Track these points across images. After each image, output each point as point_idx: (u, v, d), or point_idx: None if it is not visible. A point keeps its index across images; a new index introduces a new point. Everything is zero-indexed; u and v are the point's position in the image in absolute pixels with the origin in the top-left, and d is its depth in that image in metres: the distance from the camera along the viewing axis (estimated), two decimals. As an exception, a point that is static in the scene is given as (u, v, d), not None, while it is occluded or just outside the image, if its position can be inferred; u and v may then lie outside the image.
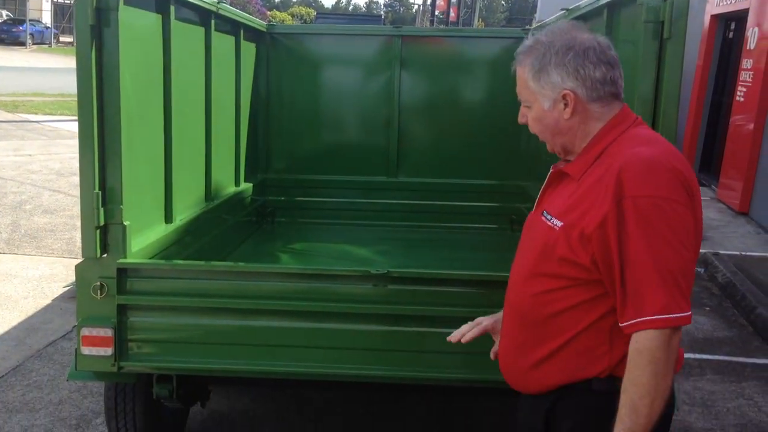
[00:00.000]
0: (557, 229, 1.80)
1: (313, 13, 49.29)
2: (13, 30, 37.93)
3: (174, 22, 3.37)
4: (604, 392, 1.78)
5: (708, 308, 6.21)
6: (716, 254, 7.25)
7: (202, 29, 3.92)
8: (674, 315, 1.64)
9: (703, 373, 4.91)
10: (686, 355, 4.05)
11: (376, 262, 4.53)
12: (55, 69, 28.05)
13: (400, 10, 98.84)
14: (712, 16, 11.16)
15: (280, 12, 55.15)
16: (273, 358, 2.92)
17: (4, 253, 6.95)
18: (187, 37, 3.67)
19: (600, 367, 1.80)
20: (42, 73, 26.58)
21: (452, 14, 37.25)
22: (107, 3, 2.69)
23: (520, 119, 1.97)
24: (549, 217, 1.85)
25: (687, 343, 5.29)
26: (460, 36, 5.90)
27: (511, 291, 2.02)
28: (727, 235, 8.11)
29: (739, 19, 10.37)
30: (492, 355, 2.27)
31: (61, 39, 41.26)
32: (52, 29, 40.40)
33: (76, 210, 8.42)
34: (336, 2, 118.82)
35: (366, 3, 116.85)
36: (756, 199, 8.84)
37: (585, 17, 3.78)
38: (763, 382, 4.82)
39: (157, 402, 3.36)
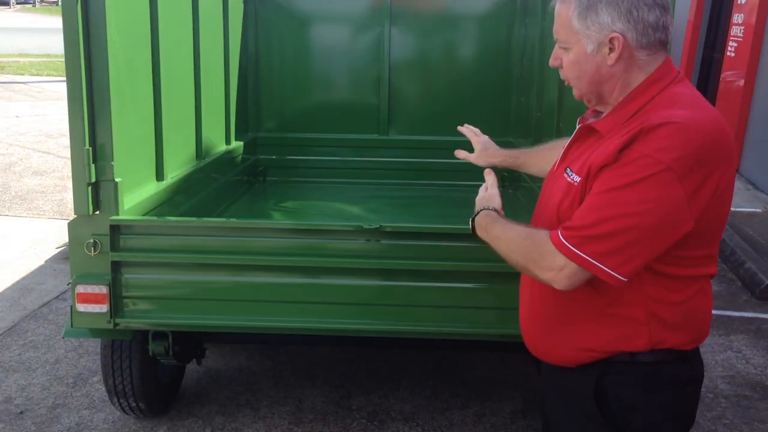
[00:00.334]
0: (576, 185, 1.70)
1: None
2: (-4, -10, 37.31)
3: (160, -23, 3.32)
4: (651, 362, 1.73)
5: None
6: (706, 210, 7.29)
7: (189, -15, 3.86)
8: (571, 247, 1.61)
9: (692, 325, 4.98)
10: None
11: (368, 219, 4.54)
12: (39, 29, 27.65)
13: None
14: (704, -30, 11.06)
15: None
16: (267, 314, 2.95)
17: (-6, 215, 6.94)
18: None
19: (640, 341, 1.72)
20: (26, 33, 26.21)
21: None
22: None
23: (553, 62, 1.82)
24: (570, 173, 1.75)
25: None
26: (451, -10, 5.83)
27: None
28: (716, 191, 8.13)
29: (731, -27, 10.28)
30: (456, 153, 2.75)
31: (45, -1, 40.60)
32: (36, -11, 39.72)
33: (66, 171, 8.39)
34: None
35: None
36: (745, 155, 8.88)
37: None
38: (750, 335, 4.90)
39: (154, 359, 3.40)
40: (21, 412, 3.75)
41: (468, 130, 2.83)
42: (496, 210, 1.95)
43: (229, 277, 2.92)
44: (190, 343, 3.47)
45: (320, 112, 5.39)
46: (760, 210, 7.38)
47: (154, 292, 2.93)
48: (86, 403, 3.84)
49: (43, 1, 39.82)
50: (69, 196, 7.47)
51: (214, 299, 2.92)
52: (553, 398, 1.97)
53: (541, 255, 1.68)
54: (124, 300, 2.90)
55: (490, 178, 2.12)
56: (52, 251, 6.02)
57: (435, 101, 5.35)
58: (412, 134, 5.40)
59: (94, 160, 2.77)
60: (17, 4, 37.01)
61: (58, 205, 7.27)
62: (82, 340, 4.46)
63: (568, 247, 1.62)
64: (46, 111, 12.21)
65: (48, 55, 20.10)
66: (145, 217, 3.13)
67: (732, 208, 7.41)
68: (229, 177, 4.66)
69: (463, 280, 2.97)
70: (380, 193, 5.27)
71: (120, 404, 3.51)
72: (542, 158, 2.48)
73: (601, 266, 1.60)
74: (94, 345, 4.40)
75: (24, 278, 5.48)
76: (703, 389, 2.64)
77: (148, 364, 3.42)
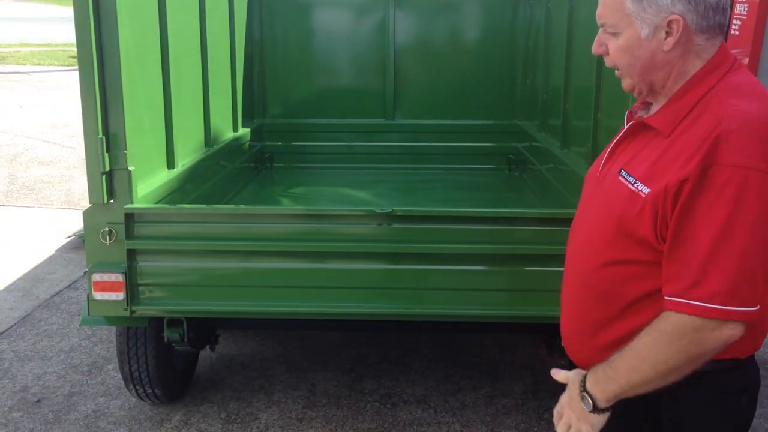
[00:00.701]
0: (644, 195, 1.52)
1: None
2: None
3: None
4: (705, 372, 1.56)
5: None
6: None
7: (194, -28, 3.86)
8: (727, 307, 1.42)
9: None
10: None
11: (376, 204, 4.55)
12: (39, 18, 27.59)
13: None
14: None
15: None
16: (280, 299, 2.97)
17: (3, 206, 6.96)
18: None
19: None
20: (26, 22, 26.14)
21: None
22: None
23: (596, 48, 1.66)
24: (632, 179, 1.57)
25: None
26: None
27: (579, 258, 1.75)
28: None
29: (734, -50, 10.20)
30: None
31: (44, -12, 40.41)
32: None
33: (72, 161, 8.41)
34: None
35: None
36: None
37: None
38: None
39: (169, 346, 3.44)
40: (38, 401, 3.79)
41: None
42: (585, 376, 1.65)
43: (243, 263, 2.95)
44: (204, 329, 3.51)
45: (326, 98, 5.39)
46: None
47: (169, 279, 2.95)
48: (102, 391, 3.89)
49: (42, -9, 39.70)
50: (76, 186, 7.50)
51: (229, 285, 2.95)
52: None
53: (699, 342, 1.46)
54: (140, 288, 2.93)
55: (560, 376, 1.76)
56: (62, 241, 6.05)
57: (440, 85, 5.36)
58: (418, 118, 5.40)
59: (108, 150, 2.79)
60: (16, -7, 36.90)
61: (65, 195, 7.29)
62: (95, 328, 4.50)
63: (720, 309, 1.43)
64: (50, 101, 12.21)
65: (49, 45, 20.05)
66: (160, 205, 3.15)
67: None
68: (236, 164, 4.68)
69: (474, 263, 2.99)
70: (386, 178, 5.29)
71: (136, 391, 3.55)
72: None
73: (751, 309, 1.45)
74: (108, 333, 4.44)
75: (35, 268, 5.51)
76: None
77: (164, 351, 3.46)
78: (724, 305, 1.42)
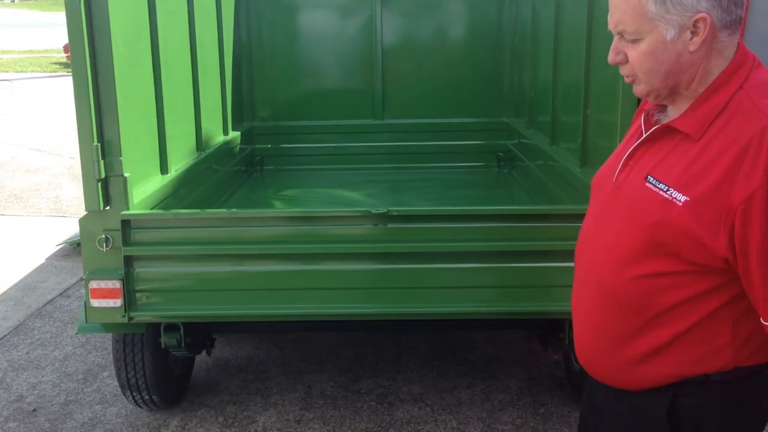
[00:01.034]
0: (679, 204, 1.46)
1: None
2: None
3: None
4: (727, 381, 1.56)
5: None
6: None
7: (182, -24, 3.86)
8: None
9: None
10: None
11: (368, 204, 4.57)
12: (20, 24, 27.37)
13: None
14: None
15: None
16: (277, 302, 2.98)
17: (-10, 215, 6.93)
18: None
19: (722, 361, 1.55)
20: (7, 29, 25.93)
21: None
22: None
23: (613, 57, 1.58)
24: (663, 186, 1.50)
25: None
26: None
27: (600, 269, 1.67)
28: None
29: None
30: None
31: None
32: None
33: (59, 168, 8.37)
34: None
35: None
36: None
37: None
38: None
39: (165, 351, 3.44)
40: (34, 410, 3.78)
41: None
42: None
43: (240, 267, 2.95)
44: (201, 334, 3.51)
45: (315, 99, 5.40)
46: None
47: (167, 285, 2.96)
48: (98, 398, 3.87)
49: (22, -3, 39.45)
50: (64, 193, 7.47)
51: (227, 289, 2.95)
52: (614, 425, 1.78)
53: None
54: (138, 294, 2.92)
55: None
56: (52, 249, 6.02)
57: (429, 84, 5.38)
58: (407, 118, 5.42)
59: (103, 156, 2.79)
60: (-5, 0, 36.64)
61: (54, 203, 7.26)
62: (89, 336, 4.48)
63: None
64: (34, 108, 12.14)
65: (30, 51, 19.94)
66: (156, 211, 3.15)
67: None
68: (228, 168, 4.68)
69: (468, 261, 3.01)
70: (377, 178, 5.30)
71: (133, 397, 3.54)
72: None
73: None
74: (102, 340, 4.43)
75: (26, 277, 5.49)
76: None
77: (160, 357, 3.46)
78: None
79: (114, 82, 2.76)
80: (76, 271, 5.54)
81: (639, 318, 1.59)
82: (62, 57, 20.14)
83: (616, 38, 1.57)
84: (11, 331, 4.64)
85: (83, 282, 2.92)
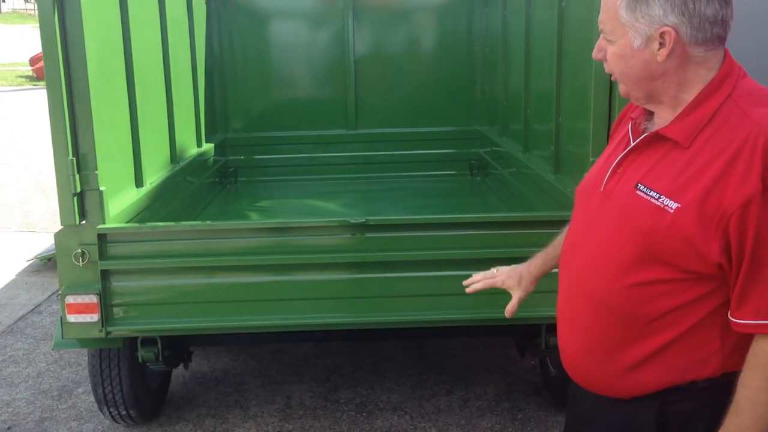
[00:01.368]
0: (671, 211, 1.47)
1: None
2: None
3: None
4: (715, 387, 1.57)
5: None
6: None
7: (154, -13, 3.85)
8: None
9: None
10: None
11: (343, 214, 4.59)
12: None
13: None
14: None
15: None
16: (259, 313, 2.98)
17: (-42, 231, 6.81)
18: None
19: (712, 367, 1.56)
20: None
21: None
22: None
23: (596, 54, 1.62)
24: (655, 194, 1.51)
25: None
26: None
27: (590, 279, 1.66)
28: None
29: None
30: (507, 313, 2.09)
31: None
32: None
33: (28, 182, 8.26)
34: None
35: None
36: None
37: None
38: None
39: (142, 366, 3.41)
40: (9, 428, 3.72)
41: (483, 285, 2.19)
42: None
43: (219, 279, 2.95)
44: (178, 347, 3.48)
45: (288, 110, 5.41)
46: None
47: (144, 298, 2.94)
48: (74, 415, 3.83)
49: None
50: (33, 208, 7.37)
51: (206, 302, 2.94)
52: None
53: None
54: (115, 308, 2.90)
55: None
56: (23, 264, 5.94)
57: (401, 94, 5.42)
58: (380, 127, 5.45)
59: (79, 170, 2.77)
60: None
61: (23, 218, 7.16)
62: (62, 352, 4.43)
63: None
64: (0, 122, 11.97)
65: (-7, 65, 19.69)
66: (133, 225, 3.13)
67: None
68: (202, 180, 4.66)
69: (445, 268, 3.03)
70: (351, 188, 5.32)
71: (110, 413, 3.50)
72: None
73: None
74: (76, 356, 4.38)
75: (-4, 293, 5.41)
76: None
77: (137, 371, 3.43)
78: None
79: (89, 96, 2.75)
80: (47, 287, 5.47)
81: (631, 326, 1.59)
82: (28, 70, 19.91)
83: (601, 35, 1.60)
84: (-18, 348, 4.56)
85: (59, 297, 2.89)
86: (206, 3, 5.02)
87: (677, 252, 1.48)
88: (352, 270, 3.02)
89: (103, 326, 2.88)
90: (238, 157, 5.40)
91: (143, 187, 3.45)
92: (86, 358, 3.65)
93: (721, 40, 1.49)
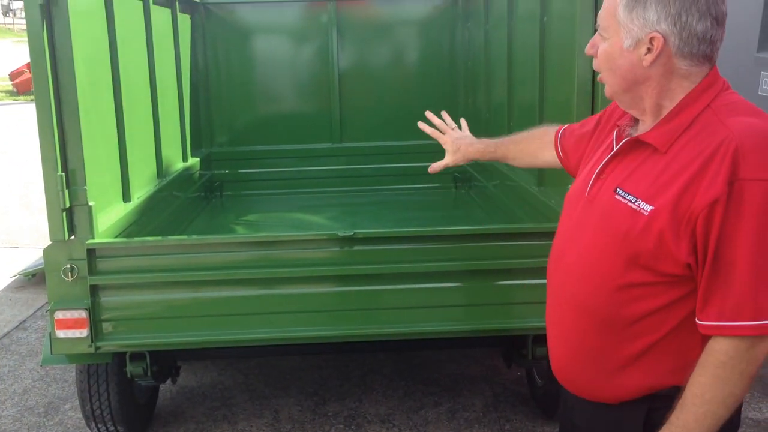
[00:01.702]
0: (646, 214, 1.51)
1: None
2: None
3: (115, -2, 3.34)
4: None
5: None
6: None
7: (140, 2, 3.87)
8: (765, 322, 1.43)
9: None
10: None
11: (328, 227, 4.62)
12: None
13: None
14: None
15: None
16: (247, 326, 2.99)
17: (-61, 248, 6.75)
18: (128, 12, 3.63)
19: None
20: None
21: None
22: None
23: (588, 49, 1.66)
24: (631, 197, 1.55)
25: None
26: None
27: (573, 284, 1.70)
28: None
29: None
30: (429, 169, 2.52)
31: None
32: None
33: (7, 197, 8.20)
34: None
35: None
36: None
37: None
38: None
39: (131, 381, 3.40)
40: (-6, 446, 3.70)
41: (432, 130, 2.63)
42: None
43: (209, 293, 2.95)
44: (166, 362, 3.48)
45: (272, 124, 5.44)
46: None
47: (134, 313, 2.94)
48: (61, 431, 3.81)
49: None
50: (12, 223, 7.32)
51: (196, 316, 2.95)
52: None
53: (754, 361, 1.46)
54: (104, 323, 2.90)
55: None
56: (7, 280, 5.89)
57: (385, 107, 5.46)
58: (364, 141, 5.49)
59: (68, 186, 2.78)
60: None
61: (4, 233, 7.11)
62: (48, 368, 4.40)
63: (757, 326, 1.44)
64: (-20, 138, 11.89)
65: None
66: (122, 240, 3.14)
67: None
68: (188, 194, 4.67)
69: (433, 281, 3.06)
70: (336, 201, 5.34)
71: (98, 429, 3.49)
72: (522, 151, 2.38)
73: None
74: (62, 372, 4.35)
75: (-21, 310, 5.36)
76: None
77: (125, 386, 3.42)
78: (761, 320, 1.44)
79: (77, 111, 2.76)
80: (32, 303, 5.44)
81: (612, 330, 1.62)
82: (8, 85, 19.78)
83: (597, 31, 1.64)
84: (-33, 366, 4.53)
85: (47, 313, 2.88)
86: (191, 18, 5.04)
87: (652, 254, 1.51)
88: (340, 283, 3.04)
89: (92, 341, 2.88)
90: (224, 172, 5.41)
91: (131, 202, 3.46)
92: (73, 374, 3.64)
93: (708, 58, 1.53)
